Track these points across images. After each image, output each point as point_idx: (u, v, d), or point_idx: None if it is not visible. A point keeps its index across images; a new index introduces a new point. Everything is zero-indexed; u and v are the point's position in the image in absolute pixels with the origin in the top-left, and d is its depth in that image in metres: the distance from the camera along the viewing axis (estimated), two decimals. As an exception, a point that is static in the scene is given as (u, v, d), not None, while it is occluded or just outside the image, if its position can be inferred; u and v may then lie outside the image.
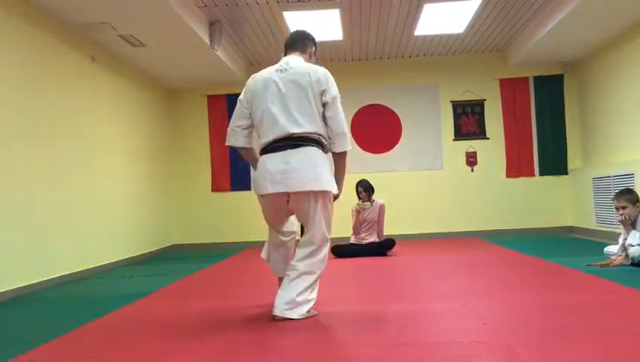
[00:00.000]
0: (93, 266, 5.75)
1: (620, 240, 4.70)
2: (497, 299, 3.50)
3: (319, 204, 3.12)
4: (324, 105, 3.14)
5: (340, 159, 3.25)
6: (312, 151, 3.09)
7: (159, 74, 7.62)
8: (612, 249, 4.89)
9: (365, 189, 6.38)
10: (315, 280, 3.16)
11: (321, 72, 3.19)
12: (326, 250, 3.20)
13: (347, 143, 3.18)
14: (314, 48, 3.46)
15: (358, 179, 6.52)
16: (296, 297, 3.06)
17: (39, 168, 4.89)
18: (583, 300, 3.30)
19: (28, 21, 4.81)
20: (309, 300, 3.12)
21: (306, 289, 3.11)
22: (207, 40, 6.29)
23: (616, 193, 4.81)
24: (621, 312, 2.97)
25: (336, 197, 3.32)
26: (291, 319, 3.02)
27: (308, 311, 3.09)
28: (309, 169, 3.06)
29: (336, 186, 3.22)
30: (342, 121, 3.16)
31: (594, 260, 4.74)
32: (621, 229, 4.74)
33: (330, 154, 3.22)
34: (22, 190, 4.60)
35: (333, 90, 3.17)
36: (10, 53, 4.56)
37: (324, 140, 3.16)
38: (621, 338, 2.44)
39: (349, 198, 6.68)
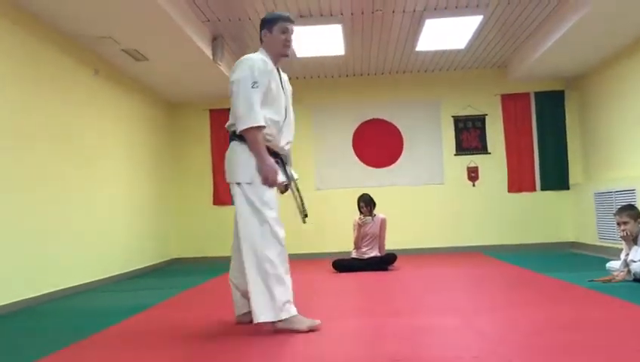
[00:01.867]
0: (94, 279, 5.74)
1: (622, 256, 4.69)
2: (499, 314, 3.48)
3: (235, 197, 3.16)
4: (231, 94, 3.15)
5: (247, 140, 3.10)
6: (231, 145, 3.19)
7: (162, 88, 7.66)
8: (614, 264, 4.87)
9: (366, 203, 6.39)
10: (265, 286, 3.02)
11: (239, 60, 3.21)
12: (259, 249, 3.06)
13: (242, 123, 3.03)
14: (264, 30, 3.32)
15: (360, 194, 6.52)
16: (255, 308, 3.05)
17: (41, 181, 4.90)
18: (585, 316, 3.29)
19: (32, 34, 4.85)
20: (263, 307, 3.02)
21: (257, 299, 3.02)
22: (209, 54, 6.33)
23: (618, 209, 4.81)
24: (623, 328, 2.96)
25: (285, 188, 3.40)
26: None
27: (280, 318, 3.03)
28: (226, 163, 3.22)
29: (250, 173, 3.10)
30: (237, 103, 3.07)
31: (596, 276, 4.73)
32: (623, 245, 4.73)
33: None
34: (23, 203, 4.61)
35: (233, 75, 3.13)
36: (12, 65, 4.59)
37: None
38: (623, 354, 2.43)
39: (351, 212, 6.70)
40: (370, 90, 8.53)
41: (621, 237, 4.72)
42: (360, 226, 6.38)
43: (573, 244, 8.06)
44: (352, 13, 5.99)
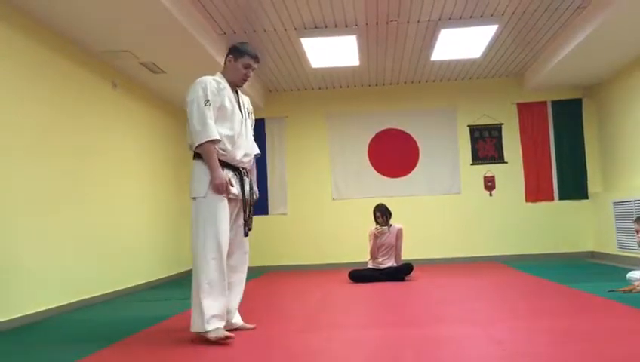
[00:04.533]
0: (114, 290, 5.78)
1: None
2: (518, 324, 3.45)
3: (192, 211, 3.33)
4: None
5: (203, 153, 3.29)
6: (193, 163, 3.36)
7: (180, 100, 7.72)
8: (635, 274, 4.82)
9: (382, 213, 6.38)
10: (198, 298, 3.16)
11: (193, 83, 3.39)
12: (198, 261, 3.20)
13: (198, 138, 3.23)
14: (230, 56, 3.55)
15: (376, 203, 6.52)
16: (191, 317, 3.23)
17: (61, 192, 4.97)
18: (606, 326, 3.25)
19: (51, 48, 4.94)
20: (196, 318, 3.18)
21: (193, 310, 3.21)
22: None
23: (637, 217, 4.75)
24: (645, 339, 2.91)
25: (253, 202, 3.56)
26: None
27: (206, 330, 3.14)
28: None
29: (202, 188, 3.28)
30: (192, 122, 3.26)
31: (616, 286, 4.67)
32: None
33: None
34: (43, 213, 4.68)
35: (187, 97, 3.33)
36: (33, 79, 4.67)
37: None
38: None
39: (367, 223, 6.69)
40: (385, 100, 8.54)
41: (639, 243, 4.67)
42: (376, 236, 6.36)
43: (592, 254, 7.96)
44: (366, 24, 6.02)
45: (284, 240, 8.36)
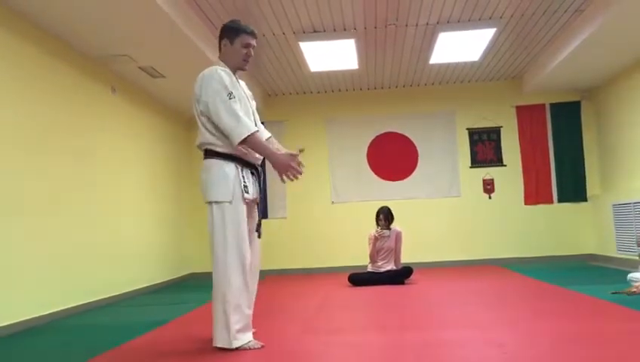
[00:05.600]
0: (114, 294, 5.78)
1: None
2: (518, 327, 3.45)
3: (208, 216, 3.10)
4: (202, 113, 3.11)
5: (250, 147, 3.09)
6: (205, 163, 3.15)
7: (179, 104, 7.73)
8: (636, 275, 4.83)
9: (385, 216, 6.37)
10: (223, 312, 2.98)
11: (200, 75, 3.14)
12: (221, 272, 3.02)
13: (237, 135, 2.98)
14: (225, 40, 3.26)
15: (377, 207, 6.51)
16: (214, 331, 3.05)
17: (61, 196, 4.96)
18: (606, 329, 3.24)
19: (49, 52, 4.94)
20: (220, 333, 3.00)
21: (216, 324, 3.03)
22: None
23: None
24: (645, 341, 2.91)
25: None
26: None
27: (232, 346, 2.98)
28: (201, 183, 3.16)
29: (224, 191, 3.05)
30: (221, 119, 3.01)
31: (616, 288, 4.67)
32: None
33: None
34: (43, 218, 4.67)
35: (204, 93, 3.07)
36: (30, 83, 4.67)
37: (213, 148, 3.11)
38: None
39: (366, 226, 6.69)
40: (384, 104, 8.54)
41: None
42: (376, 239, 6.36)
43: (592, 256, 7.96)
44: (365, 28, 6.03)
45: (283, 244, 8.35)
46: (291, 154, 3.11)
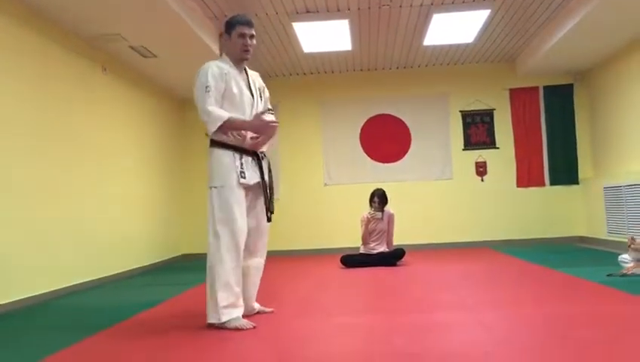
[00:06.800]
0: (104, 276, 5.78)
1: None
2: (508, 310, 3.47)
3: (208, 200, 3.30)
4: None
5: (230, 131, 3.26)
6: (209, 151, 3.33)
7: (171, 84, 7.67)
8: (627, 256, 4.89)
9: (380, 199, 6.38)
10: (212, 289, 3.15)
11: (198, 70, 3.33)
12: (213, 251, 3.18)
13: (211, 126, 3.19)
14: (225, 35, 3.44)
15: (371, 189, 6.52)
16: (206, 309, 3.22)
17: (51, 176, 4.93)
18: (596, 311, 3.27)
19: (39, 32, 4.87)
20: (210, 310, 3.17)
21: (208, 301, 3.20)
22: (217, 51, 6.33)
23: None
24: (636, 323, 2.94)
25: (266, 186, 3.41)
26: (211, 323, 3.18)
27: (221, 321, 3.13)
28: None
29: (219, 177, 3.25)
30: (199, 112, 3.23)
31: (606, 270, 4.72)
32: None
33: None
34: (30, 199, 4.64)
35: (195, 84, 3.27)
36: (20, 64, 4.61)
37: (214, 137, 3.30)
38: (635, 349, 2.42)
39: (359, 208, 6.70)
40: (377, 85, 8.51)
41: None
42: (369, 221, 6.37)
43: (582, 239, 8.02)
44: (358, 8, 5.97)
45: (276, 225, 8.25)
46: (256, 115, 3.29)
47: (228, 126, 3.20)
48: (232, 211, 3.18)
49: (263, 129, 3.27)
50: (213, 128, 3.18)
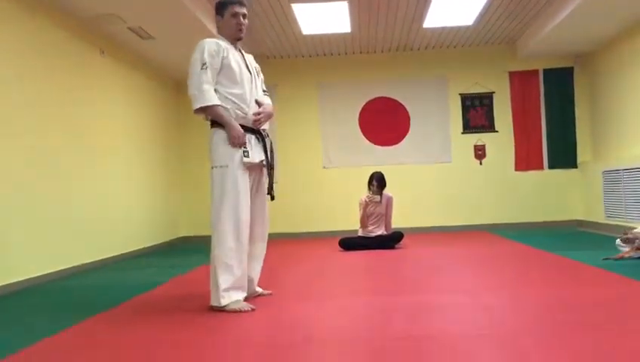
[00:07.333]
0: (103, 257, 5.79)
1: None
2: (507, 292, 3.49)
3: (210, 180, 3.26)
4: None
5: (211, 116, 3.26)
6: (211, 131, 3.30)
7: (169, 66, 7.61)
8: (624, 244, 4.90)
9: (379, 182, 6.36)
10: (214, 271, 3.13)
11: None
12: (215, 233, 3.16)
13: (195, 102, 3.19)
14: (218, 16, 3.43)
15: (370, 171, 6.50)
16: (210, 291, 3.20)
17: (49, 159, 4.92)
18: (594, 294, 3.29)
19: (35, 13, 4.83)
20: (213, 292, 3.16)
21: (211, 283, 3.18)
22: (215, 32, 6.28)
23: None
24: (634, 307, 2.95)
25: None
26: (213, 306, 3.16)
27: (221, 305, 3.11)
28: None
29: (219, 157, 3.22)
30: (189, 87, 3.23)
31: (603, 254, 4.73)
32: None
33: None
34: (32, 181, 4.64)
35: (191, 60, 3.24)
36: (17, 45, 4.57)
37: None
38: (632, 332, 2.44)
39: (358, 191, 6.69)
40: (376, 68, 8.46)
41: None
42: (367, 204, 6.37)
43: (580, 223, 8.04)
44: (358, -10, 5.92)
45: (274, 208, 8.26)
46: (243, 135, 3.20)
47: (211, 112, 3.20)
48: (235, 191, 3.14)
49: (233, 139, 3.17)
50: (197, 105, 3.17)
